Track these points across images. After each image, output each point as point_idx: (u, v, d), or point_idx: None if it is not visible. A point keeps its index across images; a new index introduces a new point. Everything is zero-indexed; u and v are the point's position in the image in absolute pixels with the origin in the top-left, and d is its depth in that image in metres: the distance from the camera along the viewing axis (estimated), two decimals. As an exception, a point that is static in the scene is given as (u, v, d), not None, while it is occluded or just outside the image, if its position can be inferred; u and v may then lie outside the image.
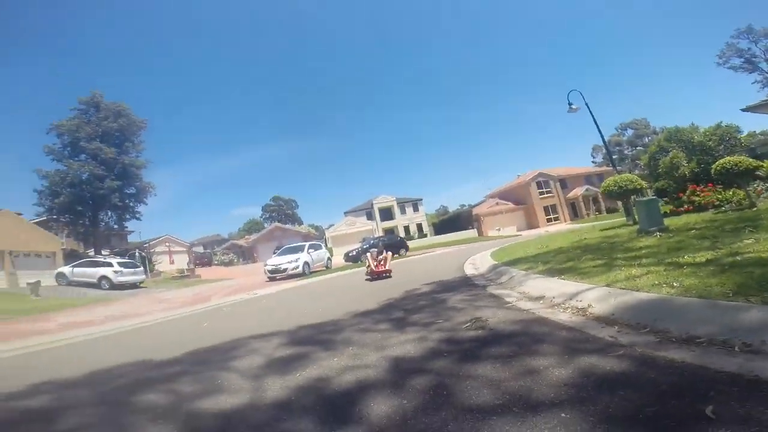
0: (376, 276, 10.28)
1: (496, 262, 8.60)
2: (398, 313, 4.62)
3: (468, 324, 3.44)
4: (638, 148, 66.66)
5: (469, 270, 9.05)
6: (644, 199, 8.50)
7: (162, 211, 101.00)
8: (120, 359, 4.12)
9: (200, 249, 60.84)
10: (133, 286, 22.70)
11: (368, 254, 11.21)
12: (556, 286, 4.25)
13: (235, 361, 3.43)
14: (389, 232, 48.30)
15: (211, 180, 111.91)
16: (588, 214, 44.13)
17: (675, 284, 2.98)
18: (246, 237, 62.56)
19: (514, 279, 5.76)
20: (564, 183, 47.52)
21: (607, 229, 12.37)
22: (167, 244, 41.67)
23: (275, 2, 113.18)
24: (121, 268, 22.22)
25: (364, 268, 11.06)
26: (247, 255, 53.78)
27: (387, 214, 54.67)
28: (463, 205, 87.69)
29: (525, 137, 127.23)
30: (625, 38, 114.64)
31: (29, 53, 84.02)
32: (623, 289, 3.28)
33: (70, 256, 29.14)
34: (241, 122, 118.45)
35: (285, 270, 18.76)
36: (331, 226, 57.20)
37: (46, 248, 28.24)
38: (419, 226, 55.27)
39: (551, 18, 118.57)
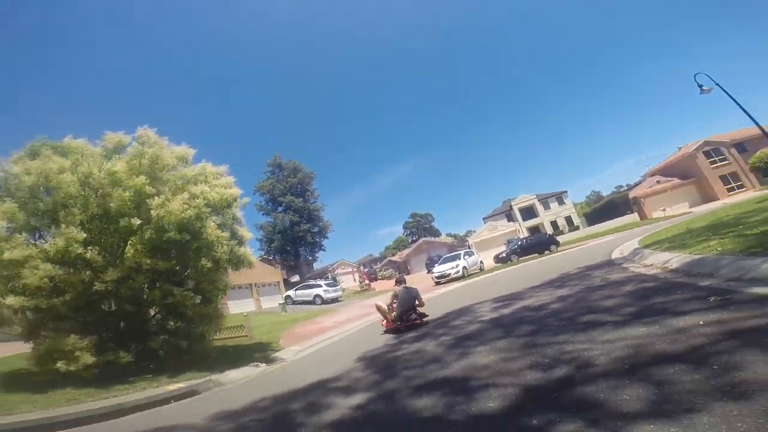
0: (398, 329, 7.41)
1: (638, 246, 10.49)
2: (556, 284, 7.75)
3: (599, 280, 6.44)
4: None
5: (615, 255, 11.15)
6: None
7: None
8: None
9: (361, 268, 71.24)
10: (334, 300, 29.88)
11: (378, 303, 8.41)
12: (662, 257, 6.72)
13: (475, 310, 7.15)
14: (534, 230, 48.12)
15: (358, 206, 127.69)
16: (788, 174, 35.95)
17: (719, 248, 5.39)
18: (399, 253, 70.25)
19: (643, 256, 8.09)
20: (742, 146, 39.57)
21: (764, 201, 12.37)
22: (343, 266, 51.40)
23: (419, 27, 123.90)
24: (328, 288, 29.79)
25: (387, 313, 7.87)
26: (401, 269, 60.87)
27: (529, 213, 54.07)
28: (620, 187, 78.75)
29: (681, 104, 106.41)
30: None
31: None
32: (693, 254, 5.75)
33: (285, 283, 39.57)
34: (378, 146, 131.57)
35: (449, 275, 22.81)
36: (468, 232, 59.67)
37: (272, 279, 38.95)
38: (568, 219, 52.86)
39: None
